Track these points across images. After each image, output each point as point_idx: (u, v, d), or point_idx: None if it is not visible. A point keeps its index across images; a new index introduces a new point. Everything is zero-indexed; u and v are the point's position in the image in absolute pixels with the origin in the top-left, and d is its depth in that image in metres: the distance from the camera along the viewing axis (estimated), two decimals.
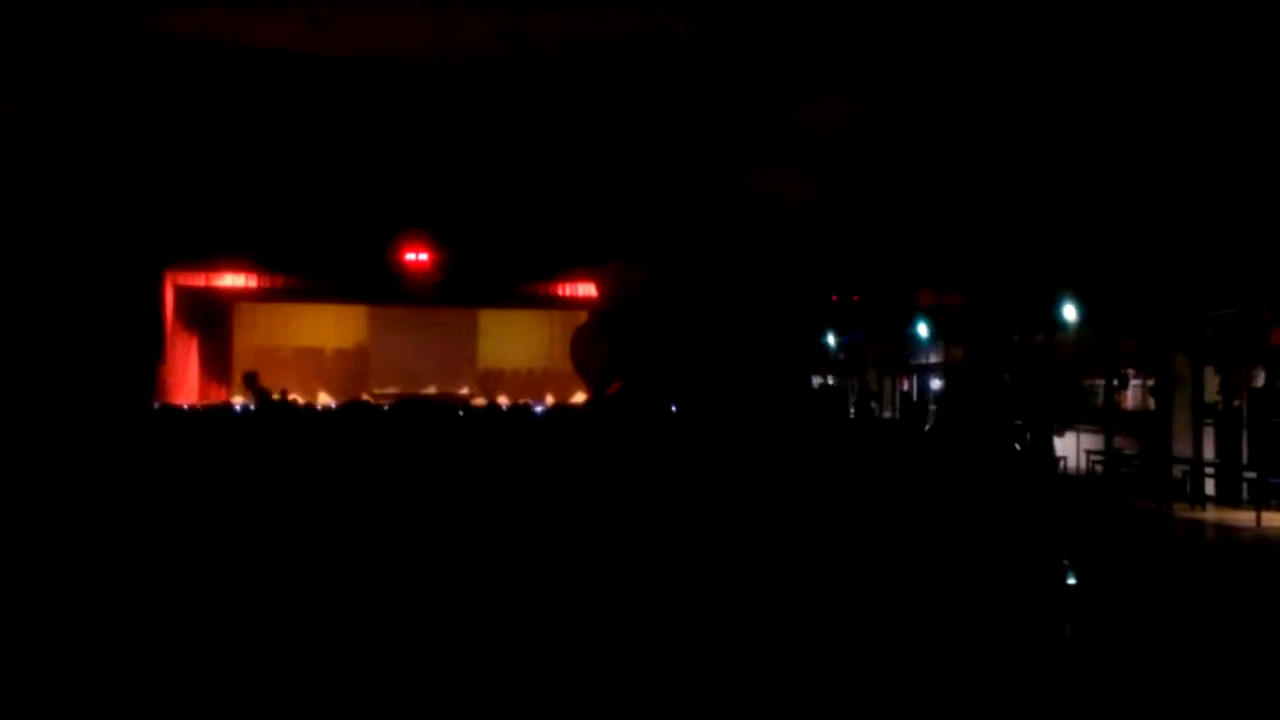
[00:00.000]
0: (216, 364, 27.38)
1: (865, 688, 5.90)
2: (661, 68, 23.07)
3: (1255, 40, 13.11)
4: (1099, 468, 16.36)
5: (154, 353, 23.49)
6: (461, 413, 14.17)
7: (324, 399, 26.74)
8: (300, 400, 22.17)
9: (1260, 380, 14.58)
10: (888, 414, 23.46)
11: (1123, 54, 14.83)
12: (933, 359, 22.17)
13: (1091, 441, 17.10)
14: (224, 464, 11.06)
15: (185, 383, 25.04)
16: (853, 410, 21.32)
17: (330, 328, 29.46)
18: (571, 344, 28.91)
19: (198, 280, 25.38)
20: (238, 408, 21.57)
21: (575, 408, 25.68)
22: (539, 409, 22.65)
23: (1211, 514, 13.83)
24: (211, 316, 27.00)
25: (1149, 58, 14.64)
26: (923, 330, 21.93)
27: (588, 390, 27.74)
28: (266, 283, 25.79)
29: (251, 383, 19.15)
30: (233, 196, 23.72)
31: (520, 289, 27.34)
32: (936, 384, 22.13)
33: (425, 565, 8.41)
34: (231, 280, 25.72)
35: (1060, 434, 17.12)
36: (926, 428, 16.89)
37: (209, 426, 14.29)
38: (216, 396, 26.38)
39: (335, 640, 6.66)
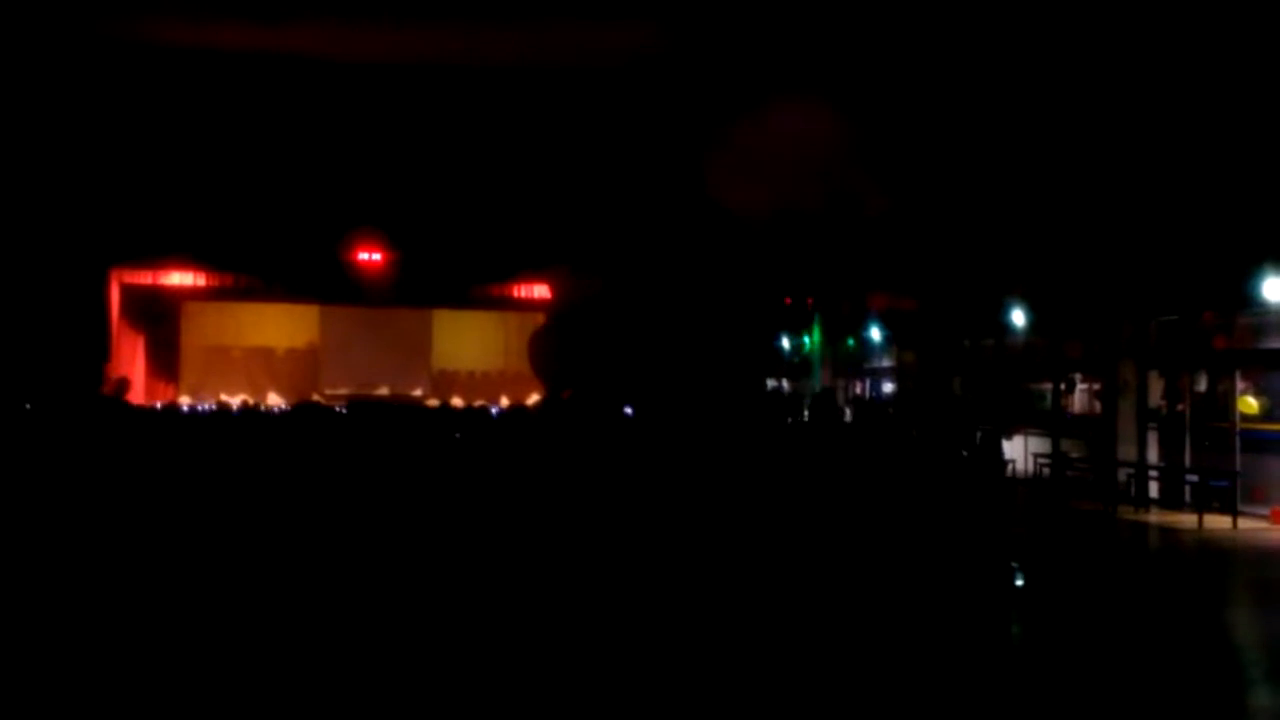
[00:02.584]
0: (164, 363, 26.90)
1: (813, 688, 5.92)
2: (619, 74, 23.12)
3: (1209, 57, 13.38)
4: (1046, 471, 16.59)
5: (99, 351, 23.01)
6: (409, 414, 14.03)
7: (274, 399, 26.35)
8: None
9: (1203, 385, 14.86)
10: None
11: (1071, 66, 15.06)
12: (885, 363, 22.36)
13: (1039, 445, 17.34)
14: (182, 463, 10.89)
15: (131, 382, 24.55)
16: (806, 414, 21.44)
17: (281, 327, 29.01)
18: (529, 346, 28.82)
19: (144, 278, 24.89)
20: (185, 408, 21.19)
21: (530, 410, 25.57)
22: (494, 410, 22.52)
23: (1155, 516, 14.08)
24: (159, 315, 26.50)
25: (1097, 70, 14.88)
26: (875, 334, 22.13)
27: (543, 393, 27.64)
28: (215, 281, 25.38)
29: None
30: (181, 193, 23.31)
31: (475, 290, 27.16)
32: (889, 387, 22.34)
33: (385, 563, 8.33)
34: (179, 279, 25.27)
35: (1008, 437, 17.34)
36: (878, 430, 17.01)
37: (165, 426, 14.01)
38: (164, 396, 25.90)
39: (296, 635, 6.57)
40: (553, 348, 27.86)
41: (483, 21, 20.51)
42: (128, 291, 24.55)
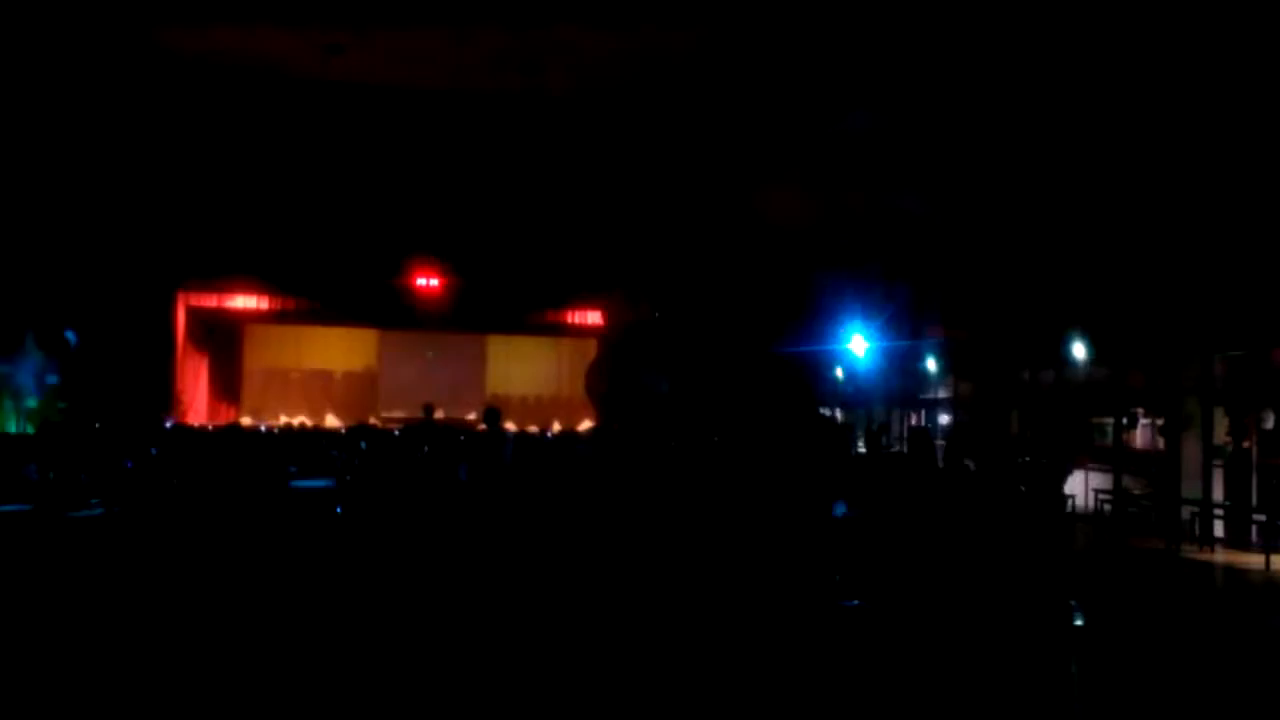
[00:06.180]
0: (226, 384, 27.48)
1: None
2: (670, 96, 23.27)
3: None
4: (1107, 507, 16.26)
5: (165, 371, 23.59)
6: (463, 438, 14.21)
7: (332, 421, 26.78)
8: None
9: (1270, 422, 14.50)
10: (895, 448, 23.36)
11: (1134, 86, 14.88)
12: (942, 394, 22.10)
13: (1100, 480, 17.00)
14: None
15: (195, 402, 25.12)
16: (861, 444, 21.28)
17: (340, 351, 29.53)
18: (586, 375, 29.05)
19: (209, 301, 25.52)
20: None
21: (582, 435, 25.67)
22: (547, 436, 22.67)
23: (1220, 556, 13.71)
24: (222, 337, 27.12)
25: (1161, 94, 14.69)
26: (931, 365, 21.88)
27: (596, 419, 27.77)
28: (277, 305, 25.93)
29: None
30: (245, 219, 23.91)
31: (530, 316, 27.42)
32: (945, 419, 22.06)
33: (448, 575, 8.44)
34: (243, 302, 25.87)
35: (1068, 472, 17.03)
36: (935, 463, 16.81)
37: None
38: (225, 416, 26.45)
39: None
40: (605, 375, 28.00)
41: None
42: (193, 314, 25.18)
